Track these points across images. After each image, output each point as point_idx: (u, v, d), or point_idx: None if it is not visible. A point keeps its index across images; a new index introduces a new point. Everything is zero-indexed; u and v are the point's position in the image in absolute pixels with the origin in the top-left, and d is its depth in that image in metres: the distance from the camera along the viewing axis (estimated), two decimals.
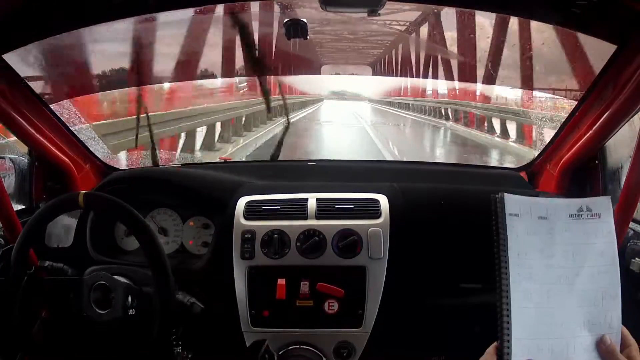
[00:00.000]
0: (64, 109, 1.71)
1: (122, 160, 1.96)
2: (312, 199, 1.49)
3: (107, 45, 1.68)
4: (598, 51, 1.29)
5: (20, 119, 1.45)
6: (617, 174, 1.49)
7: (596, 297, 1.21)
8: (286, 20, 1.39)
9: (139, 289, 1.28)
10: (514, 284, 1.18)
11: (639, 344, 1.29)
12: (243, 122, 9.92)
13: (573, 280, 1.20)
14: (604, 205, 1.23)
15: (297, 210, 1.46)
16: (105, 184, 1.63)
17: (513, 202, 1.23)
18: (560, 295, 1.20)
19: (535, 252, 1.21)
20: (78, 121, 1.79)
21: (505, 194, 1.22)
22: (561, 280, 1.21)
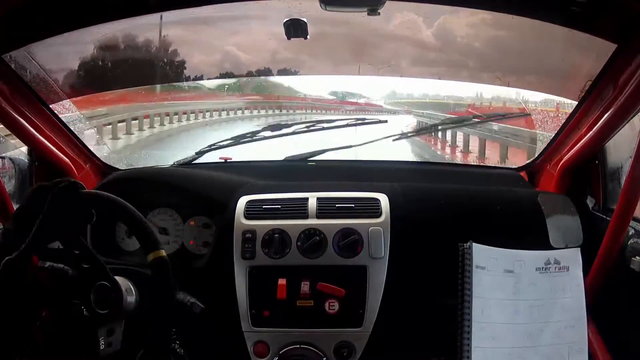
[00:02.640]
0: (64, 109, 1.71)
1: (122, 160, 1.96)
2: (312, 198, 1.49)
3: (107, 45, 1.68)
4: None
5: (20, 119, 1.45)
6: (617, 174, 1.49)
7: (561, 354, 1.19)
8: (286, 20, 1.39)
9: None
10: (476, 347, 1.15)
11: (637, 345, 1.30)
12: None
13: (538, 337, 1.19)
14: (573, 258, 1.25)
15: (298, 209, 1.46)
16: (105, 184, 1.63)
17: (481, 253, 1.23)
18: (523, 355, 1.17)
19: (500, 308, 1.19)
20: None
21: (474, 244, 1.24)
22: (525, 337, 1.19)
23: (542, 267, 1.23)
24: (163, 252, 1.23)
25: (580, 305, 1.21)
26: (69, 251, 1.24)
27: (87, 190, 1.27)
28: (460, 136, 7.69)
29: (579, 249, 1.28)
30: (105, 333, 1.21)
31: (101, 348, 1.20)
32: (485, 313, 1.19)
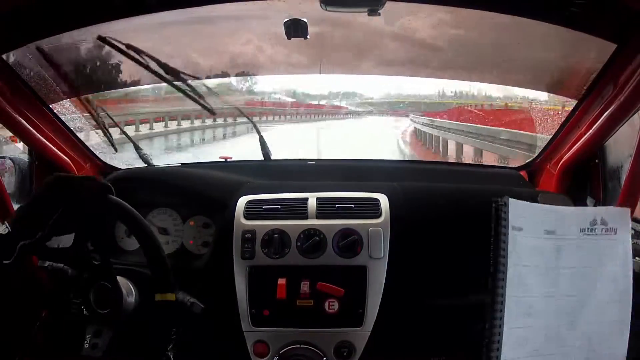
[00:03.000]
0: (64, 108, 1.71)
1: (122, 160, 1.96)
2: (312, 198, 1.49)
3: (107, 44, 1.68)
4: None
5: (20, 119, 1.45)
6: (617, 173, 1.49)
7: (601, 334, 1.03)
8: (286, 20, 1.39)
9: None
10: (509, 322, 0.98)
11: (637, 345, 1.29)
12: None
13: (578, 313, 1.03)
14: (622, 218, 1.06)
15: (298, 209, 1.46)
16: None
17: (518, 210, 1.03)
18: (560, 335, 1.02)
19: (538, 277, 1.02)
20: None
21: (510, 200, 1.04)
22: (564, 312, 1.03)
23: (588, 228, 1.04)
24: (173, 297, 1.22)
25: (627, 275, 1.03)
26: (80, 246, 1.22)
27: (116, 198, 1.24)
28: (452, 145, 6.69)
29: (629, 210, 1.08)
30: (92, 333, 1.21)
31: (85, 347, 1.19)
32: (521, 284, 1.00)
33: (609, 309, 1.04)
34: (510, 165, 1.95)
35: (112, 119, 1.85)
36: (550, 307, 1.03)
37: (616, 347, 1.03)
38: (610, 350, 1.03)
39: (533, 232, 1.03)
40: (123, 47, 1.53)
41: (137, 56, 1.54)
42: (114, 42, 1.51)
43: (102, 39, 1.48)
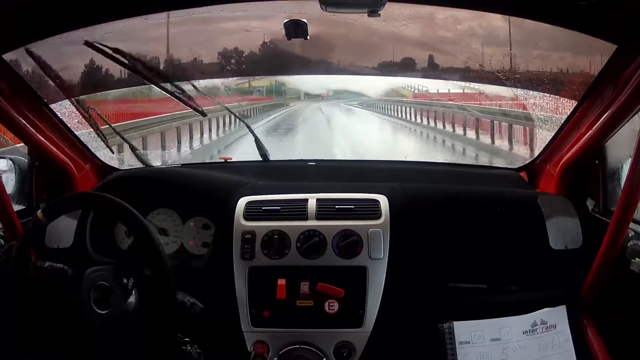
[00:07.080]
0: (64, 108, 1.71)
1: (122, 160, 1.96)
2: (312, 199, 1.49)
3: (108, 44, 1.68)
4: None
5: (20, 119, 1.45)
6: (617, 174, 1.49)
7: None
8: (286, 20, 1.39)
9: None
10: None
11: (637, 346, 1.30)
12: None
13: None
14: (558, 316, 1.28)
15: (297, 210, 1.46)
16: (105, 184, 1.63)
17: (463, 330, 1.27)
18: None
19: None
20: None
21: (455, 323, 1.27)
22: None
23: (529, 330, 1.26)
24: None
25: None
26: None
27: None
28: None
29: (565, 307, 1.30)
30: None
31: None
32: None
33: None
34: (510, 166, 1.94)
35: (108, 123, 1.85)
36: None
37: None
38: None
39: (480, 342, 1.26)
40: (122, 47, 1.53)
41: (135, 57, 1.54)
42: (114, 42, 1.51)
43: (100, 40, 1.49)
